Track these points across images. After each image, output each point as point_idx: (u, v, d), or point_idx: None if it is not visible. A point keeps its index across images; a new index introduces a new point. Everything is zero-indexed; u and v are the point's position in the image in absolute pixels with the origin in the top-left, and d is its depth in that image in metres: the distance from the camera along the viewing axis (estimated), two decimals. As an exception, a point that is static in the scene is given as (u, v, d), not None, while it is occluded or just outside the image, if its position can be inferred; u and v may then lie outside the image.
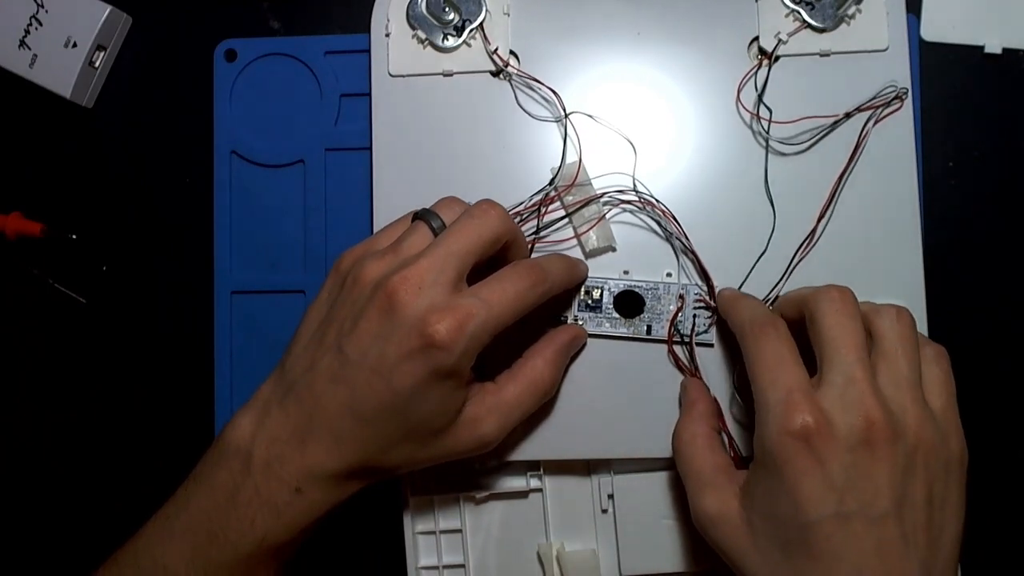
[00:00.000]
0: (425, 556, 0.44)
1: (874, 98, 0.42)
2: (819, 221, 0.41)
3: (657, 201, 0.42)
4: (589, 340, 0.42)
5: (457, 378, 0.35)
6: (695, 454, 0.37)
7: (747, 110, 0.42)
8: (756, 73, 0.42)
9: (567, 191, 0.43)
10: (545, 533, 0.43)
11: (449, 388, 0.35)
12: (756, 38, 0.43)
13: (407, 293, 0.34)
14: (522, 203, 0.43)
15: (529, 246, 0.42)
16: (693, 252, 0.42)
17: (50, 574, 0.49)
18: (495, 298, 0.35)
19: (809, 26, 0.42)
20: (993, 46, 0.44)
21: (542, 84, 0.43)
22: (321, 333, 0.37)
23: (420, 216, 0.38)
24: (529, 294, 0.37)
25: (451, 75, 0.44)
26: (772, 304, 0.41)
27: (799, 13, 0.42)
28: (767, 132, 0.42)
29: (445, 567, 0.44)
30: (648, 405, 0.42)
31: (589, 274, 0.42)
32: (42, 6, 0.47)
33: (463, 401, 0.37)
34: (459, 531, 0.44)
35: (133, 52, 0.50)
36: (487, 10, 0.44)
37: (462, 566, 0.44)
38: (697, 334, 0.41)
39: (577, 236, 0.43)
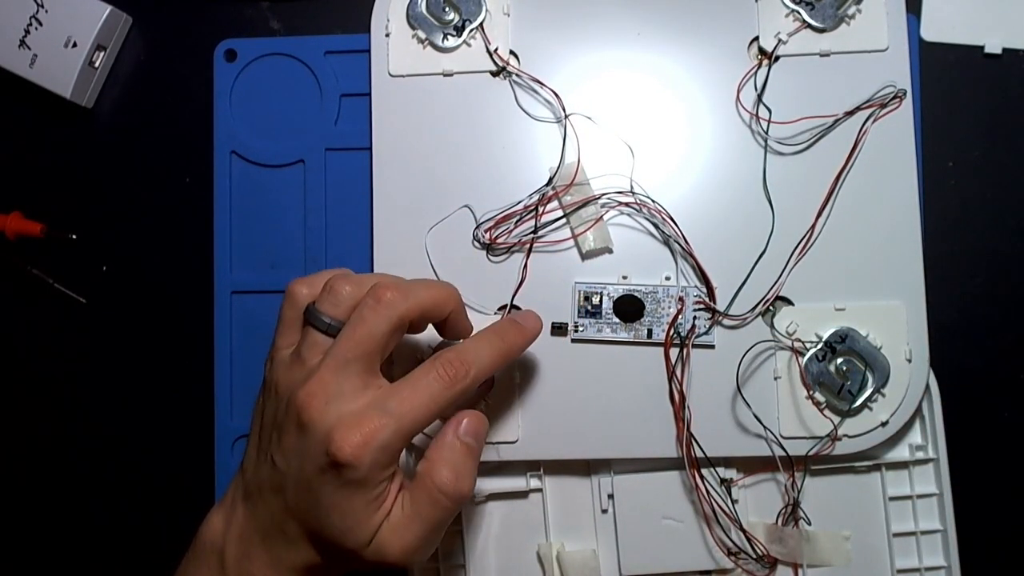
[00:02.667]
0: (425, 556, 0.44)
1: (873, 98, 0.42)
2: (818, 221, 0.41)
3: (654, 203, 0.42)
4: (590, 344, 0.42)
5: (368, 490, 0.34)
6: None
7: (747, 110, 0.42)
8: (756, 73, 0.42)
9: (565, 191, 0.43)
10: (545, 533, 0.44)
11: (362, 501, 0.34)
12: (756, 38, 0.43)
13: (314, 409, 0.34)
14: (520, 202, 0.43)
15: (528, 246, 0.42)
16: (692, 254, 0.42)
17: (50, 574, 0.49)
18: (404, 408, 0.34)
19: (809, 26, 0.42)
20: (993, 46, 0.44)
21: (542, 84, 0.43)
22: (258, 438, 0.37)
23: (305, 318, 0.36)
24: (445, 395, 0.35)
25: (451, 75, 0.44)
26: (767, 305, 0.41)
27: (799, 13, 0.42)
28: (766, 132, 0.42)
29: (445, 567, 0.44)
30: (648, 406, 0.42)
31: (588, 279, 0.42)
32: (42, 6, 0.47)
33: (385, 510, 0.35)
34: (459, 531, 0.44)
35: (133, 52, 0.50)
36: (487, 10, 0.44)
37: (462, 566, 0.44)
38: (697, 336, 0.41)
39: (574, 236, 0.43)
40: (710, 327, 0.42)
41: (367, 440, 0.33)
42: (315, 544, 0.35)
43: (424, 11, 0.44)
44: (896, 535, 0.42)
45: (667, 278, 0.42)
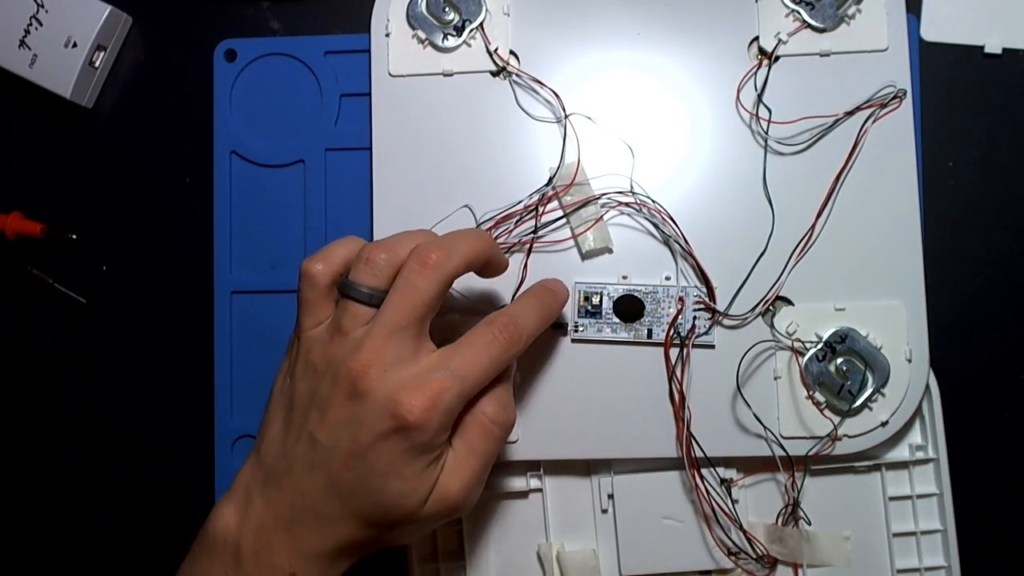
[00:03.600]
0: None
1: (873, 98, 0.42)
2: (818, 221, 0.41)
3: (654, 203, 0.42)
4: (589, 345, 0.42)
5: (431, 452, 0.34)
6: None
7: (747, 110, 0.42)
8: (756, 73, 0.42)
9: (565, 191, 0.43)
10: (545, 533, 0.44)
11: (424, 463, 0.34)
12: (756, 38, 0.43)
13: (372, 377, 0.34)
14: (520, 202, 0.43)
15: (528, 246, 0.42)
16: (692, 254, 0.42)
17: (50, 574, 0.49)
18: (467, 369, 0.35)
19: (809, 26, 0.42)
20: (993, 46, 0.44)
21: (542, 84, 0.43)
22: (288, 419, 0.36)
23: (341, 291, 0.36)
24: (503, 357, 0.36)
25: (451, 75, 0.44)
26: (767, 305, 0.41)
27: (799, 13, 0.42)
28: (766, 132, 0.42)
29: (445, 567, 0.44)
30: (648, 406, 0.42)
31: (588, 279, 0.42)
32: (42, 6, 0.47)
33: (439, 473, 0.35)
34: (459, 531, 0.44)
35: (133, 52, 0.50)
36: (487, 10, 0.44)
37: (462, 566, 0.44)
38: (697, 336, 0.41)
39: (574, 236, 0.43)
40: (710, 327, 0.42)
41: (435, 401, 0.33)
42: (357, 520, 0.35)
43: (424, 11, 0.44)
44: (896, 535, 0.42)
45: (667, 278, 0.42)
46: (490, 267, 0.38)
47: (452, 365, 0.35)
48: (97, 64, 0.48)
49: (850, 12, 0.42)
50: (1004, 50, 0.44)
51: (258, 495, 0.36)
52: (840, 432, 0.41)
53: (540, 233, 0.43)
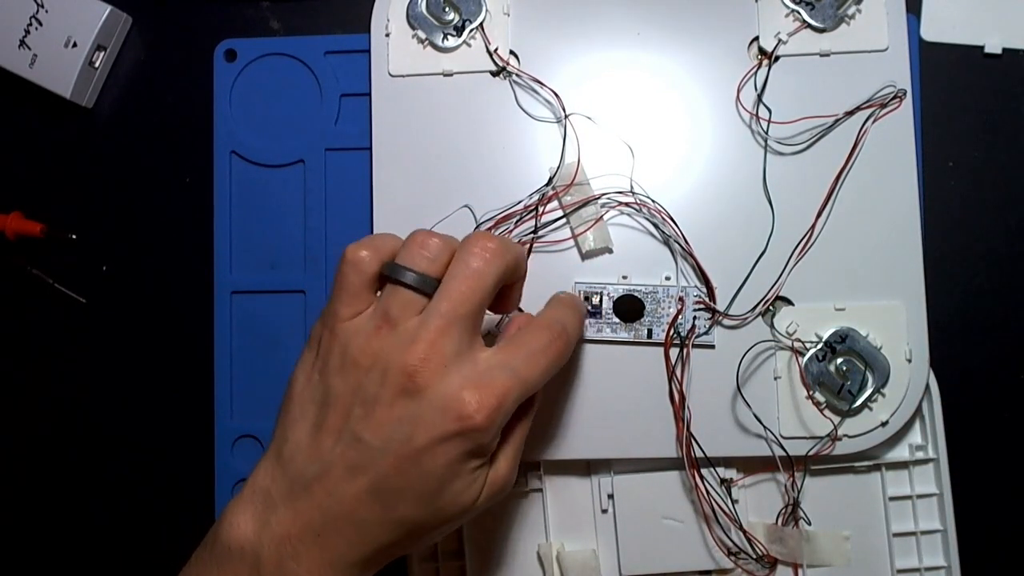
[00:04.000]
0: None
1: (873, 98, 0.42)
2: (818, 221, 0.41)
3: (654, 203, 0.42)
4: (589, 345, 0.42)
5: (488, 453, 0.33)
6: None
7: (747, 110, 0.42)
8: (756, 73, 0.42)
9: (565, 191, 0.43)
10: (545, 533, 0.44)
11: (480, 462, 0.33)
12: (756, 38, 0.43)
13: (431, 373, 0.31)
14: (520, 202, 0.43)
15: (528, 246, 0.42)
16: (692, 254, 0.42)
17: (50, 574, 0.49)
18: (529, 372, 0.33)
19: (809, 26, 0.42)
20: (993, 46, 0.44)
21: (542, 84, 0.43)
22: (321, 419, 0.33)
23: (390, 276, 0.33)
24: (557, 364, 0.34)
25: (451, 75, 0.44)
26: (767, 305, 0.41)
27: (799, 13, 0.42)
28: (766, 132, 0.42)
29: (445, 567, 0.44)
30: (648, 406, 0.42)
31: (588, 279, 0.42)
32: (42, 6, 0.47)
33: (487, 473, 0.34)
34: (459, 531, 0.44)
35: (133, 52, 0.50)
36: (487, 10, 0.44)
37: (462, 566, 0.44)
38: (697, 336, 0.41)
39: (574, 237, 0.43)
40: (710, 327, 0.42)
41: (500, 402, 0.31)
42: (399, 526, 0.32)
43: (424, 11, 0.44)
44: (896, 535, 0.42)
45: (667, 278, 0.42)
46: (516, 289, 0.36)
47: (515, 365, 0.32)
48: (97, 64, 0.48)
49: (850, 12, 0.42)
50: (1004, 50, 0.44)
51: (282, 502, 0.32)
52: (840, 432, 0.41)
53: (540, 233, 0.43)
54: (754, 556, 0.41)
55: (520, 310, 0.40)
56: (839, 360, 0.41)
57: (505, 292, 0.36)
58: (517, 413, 0.34)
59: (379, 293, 0.34)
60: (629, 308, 0.42)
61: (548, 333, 0.34)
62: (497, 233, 0.42)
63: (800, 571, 0.42)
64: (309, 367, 0.35)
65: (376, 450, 0.32)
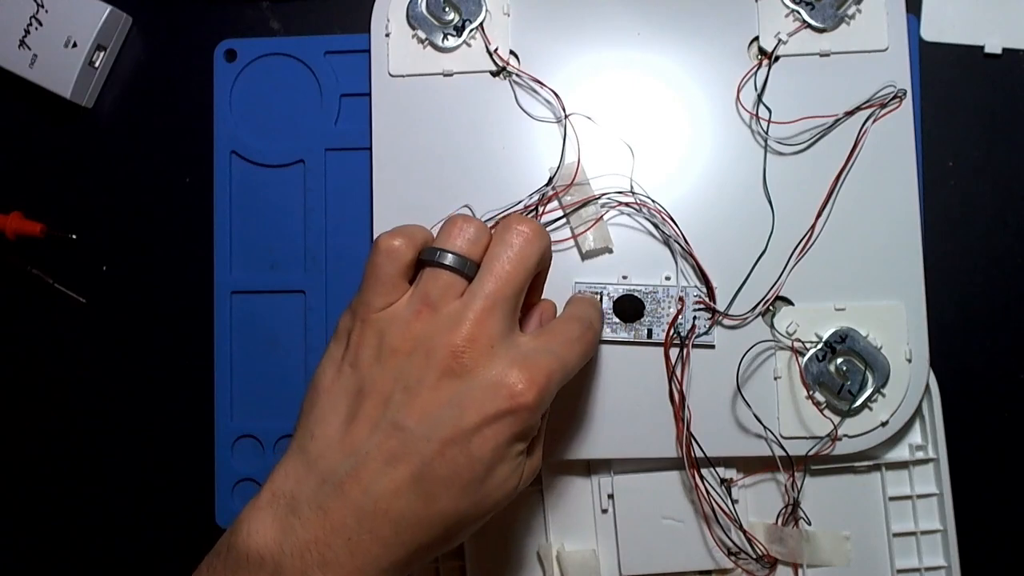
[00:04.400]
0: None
1: (873, 98, 0.42)
2: (818, 221, 0.41)
3: (654, 203, 0.42)
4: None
5: (529, 437, 0.32)
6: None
7: (747, 110, 0.42)
8: (756, 73, 0.42)
9: (565, 191, 0.43)
10: (545, 533, 0.44)
11: (521, 449, 0.32)
12: (756, 38, 0.43)
13: (479, 353, 0.31)
14: (520, 202, 0.43)
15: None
16: (692, 254, 0.42)
17: (50, 574, 0.49)
18: (569, 356, 0.33)
19: (809, 26, 0.42)
20: (993, 46, 0.44)
21: (542, 84, 0.43)
22: (354, 410, 0.31)
23: (430, 260, 0.33)
24: (588, 354, 0.34)
25: (451, 75, 0.44)
26: (767, 305, 0.41)
27: (799, 13, 0.42)
28: (766, 132, 0.42)
29: (445, 567, 0.44)
30: (648, 406, 0.42)
31: (588, 279, 0.42)
32: (42, 6, 0.47)
33: (526, 460, 0.33)
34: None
35: (133, 52, 0.50)
36: (487, 10, 0.44)
37: (462, 566, 0.44)
38: (697, 336, 0.41)
39: (574, 237, 0.43)
40: (710, 327, 0.42)
41: (548, 381, 0.31)
42: (439, 523, 0.30)
43: (424, 11, 0.44)
44: (896, 535, 0.42)
45: (667, 278, 0.42)
46: (540, 282, 0.36)
47: (555, 348, 0.32)
48: (97, 64, 0.48)
49: (850, 12, 0.42)
50: (1004, 50, 0.44)
51: (309, 504, 0.30)
52: (840, 432, 0.41)
53: (540, 233, 0.43)
54: (754, 556, 0.41)
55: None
56: (839, 360, 0.41)
57: (534, 280, 0.35)
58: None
59: (413, 283, 0.34)
60: (629, 308, 0.42)
61: (580, 324, 0.34)
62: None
63: (800, 571, 0.42)
64: (339, 359, 0.33)
65: (419, 437, 0.30)
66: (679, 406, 0.41)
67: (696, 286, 0.42)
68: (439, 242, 0.33)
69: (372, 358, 0.32)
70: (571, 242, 0.43)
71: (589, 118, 0.43)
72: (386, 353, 0.32)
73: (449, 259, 0.32)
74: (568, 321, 0.35)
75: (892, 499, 0.42)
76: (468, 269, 0.33)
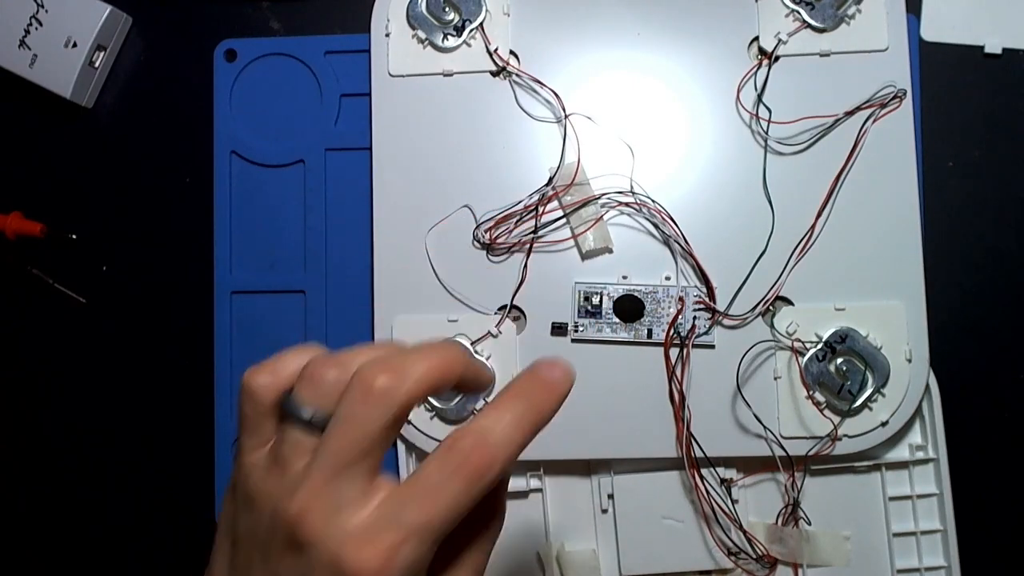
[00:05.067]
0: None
1: (873, 98, 0.42)
2: (818, 221, 0.41)
3: (654, 203, 0.42)
4: (589, 345, 0.42)
5: None
6: None
7: (747, 110, 0.42)
8: (756, 73, 0.42)
9: (565, 191, 0.43)
10: (545, 533, 0.44)
11: None
12: (756, 38, 0.43)
13: (313, 525, 0.27)
14: (520, 202, 0.43)
15: (528, 246, 0.42)
16: (692, 254, 0.42)
17: (50, 574, 0.49)
18: (423, 518, 0.27)
19: (809, 26, 0.42)
20: (993, 46, 0.44)
21: (542, 84, 0.43)
22: (235, 560, 0.30)
23: (285, 411, 0.30)
24: (470, 494, 0.28)
25: (451, 75, 0.44)
26: (767, 305, 0.41)
27: (799, 13, 0.42)
28: (766, 132, 0.42)
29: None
30: (648, 406, 0.42)
31: (588, 279, 0.42)
32: (42, 6, 0.47)
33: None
34: (459, 531, 0.44)
35: (133, 52, 0.50)
36: (487, 10, 0.44)
37: (462, 566, 0.44)
38: (697, 336, 0.41)
39: (574, 236, 0.43)
40: (710, 327, 0.42)
41: (390, 559, 0.27)
42: None
43: (424, 11, 0.44)
44: (896, 535, 0.42)
45: (667, 278, 0.42)
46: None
47: (405, 517, 0.28)
48: (97, 64, 0.48)
49: (850, 12, 0.42)
50: (1004, 50, 0.44)
51: None
52: (840, 432, 0.41)
53: (540, 233, 0.43)
54: (754, 556, 0.41)
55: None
56: (839, 360, 0.41)
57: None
58: (470, 535, 0.30)
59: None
60: (629, 308, 0.42)
61: (449, 460, 0.28)
62: (498, 231, 0.42)
63: (800, 571, 0.42)
64: (229, 491, 0.31)
65: None
66: (679, 406, 0.41)
67: (696, 286, 0.42)
68: (297, 387, 0.30)
69: (242, 503, 0.30)
70: (571, 242, 0.43)
71: (589, 118, 0.43)
72: (248, 502, 0.29)
73: (302, 412, 0.29)
74: (434, 462, 0.29)
75: (892, 499, 0.42)
76: (318, 424, 0.29)
